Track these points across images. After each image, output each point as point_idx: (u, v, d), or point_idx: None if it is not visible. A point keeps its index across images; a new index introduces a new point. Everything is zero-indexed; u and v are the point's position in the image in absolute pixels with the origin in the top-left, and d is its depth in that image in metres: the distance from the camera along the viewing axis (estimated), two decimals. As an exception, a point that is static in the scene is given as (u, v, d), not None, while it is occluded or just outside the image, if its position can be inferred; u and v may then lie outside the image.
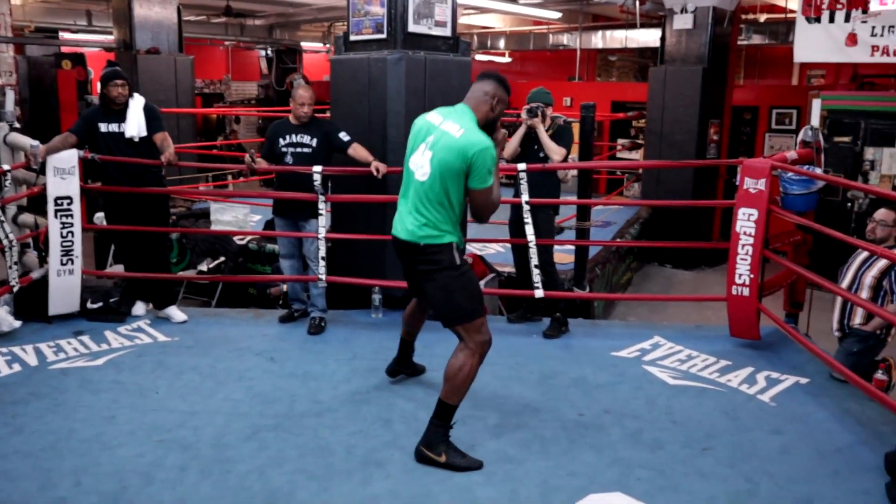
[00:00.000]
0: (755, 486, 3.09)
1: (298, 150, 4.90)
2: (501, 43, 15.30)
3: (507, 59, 16.81)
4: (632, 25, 11.90)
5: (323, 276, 4.92)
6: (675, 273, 9.60)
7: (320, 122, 5.04)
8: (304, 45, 16.88)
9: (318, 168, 4.76)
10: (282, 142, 4.93)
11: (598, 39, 13.04)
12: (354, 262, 5.36)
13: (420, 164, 3.19)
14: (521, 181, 4.74)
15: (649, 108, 9.74)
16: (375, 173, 4.74)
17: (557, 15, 11.93)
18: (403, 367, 4.03)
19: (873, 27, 7.74)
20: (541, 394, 3.93)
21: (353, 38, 5.37)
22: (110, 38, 10.41)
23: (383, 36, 5.13)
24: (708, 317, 7.04)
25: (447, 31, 5.33)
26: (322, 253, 4.91)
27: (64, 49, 12.53)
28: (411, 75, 5.02)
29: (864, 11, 7.69)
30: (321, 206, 4.86)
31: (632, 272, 8.73)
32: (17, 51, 12.39)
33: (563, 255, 6.16)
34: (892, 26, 7.63)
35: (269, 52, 17.44)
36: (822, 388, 4.11)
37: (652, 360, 4.48)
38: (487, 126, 3.22)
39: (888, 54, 7.67)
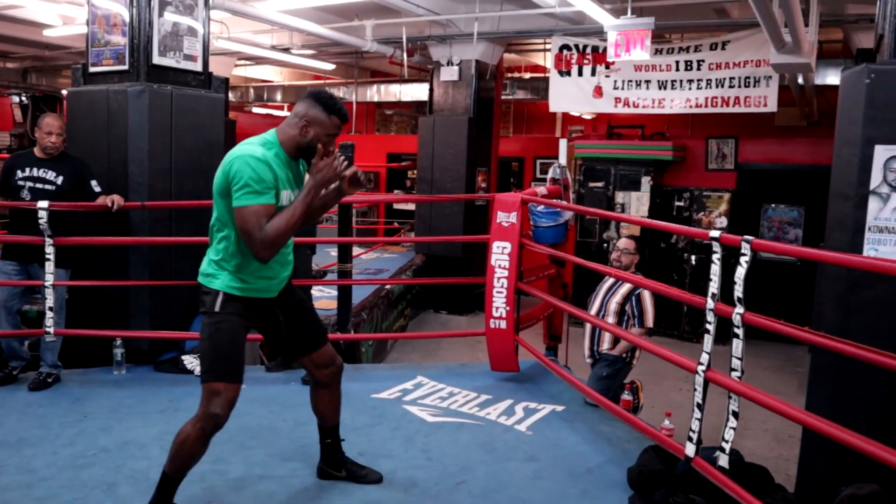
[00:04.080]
0: (507, 516, 3.05)
1: (38, 185, 4.35)
2: (279, 96, 15.11)
3: (285, 113, 16.63)
4: (406, 80, 12.24)
5: (51, 329, 4.36)
6: (451, 319, 9.76)
7: (73, 161, 4.51)
8: (66, 91, 15.57)
9: (43, 203, 4.22)
10: (19, 174, 4.36)
11: (374, 93, 13.24)
12: (96, 312, 4.82)
13: None
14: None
15: (420, 156, 9.94)
16: (110, 206, 4.31)
17: (331, 66, 11.96)
18: (332, 468, 3.26)
19: (615, 81, 8.50)
20: (292, 441, 3.67)
21: (91, 69, 4.95)
22: None
23: (125, 67, 4.78)
24: (480, 358, 7.13)
25: (198, 66, 5.07)
26: (51, 303, 4.36)
27: None
28: (156, 110, 4.68)
29: (608, 67, 8.43)
30: (49, 249, 4.32)
31: (405, 319, 8.74)
32: None
33: (328, 302, 5.99)
34: (632, 80, 8.42)
35: (23, 98, 15.89)
36: (576, 414, 4.23)
37: (413, 399, 4.38)
38: (302, 152, 2.78)
39: (629, 106, 8.44)
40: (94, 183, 4.46)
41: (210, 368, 2.72)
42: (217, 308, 2.73)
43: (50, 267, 4.33)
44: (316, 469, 3.30)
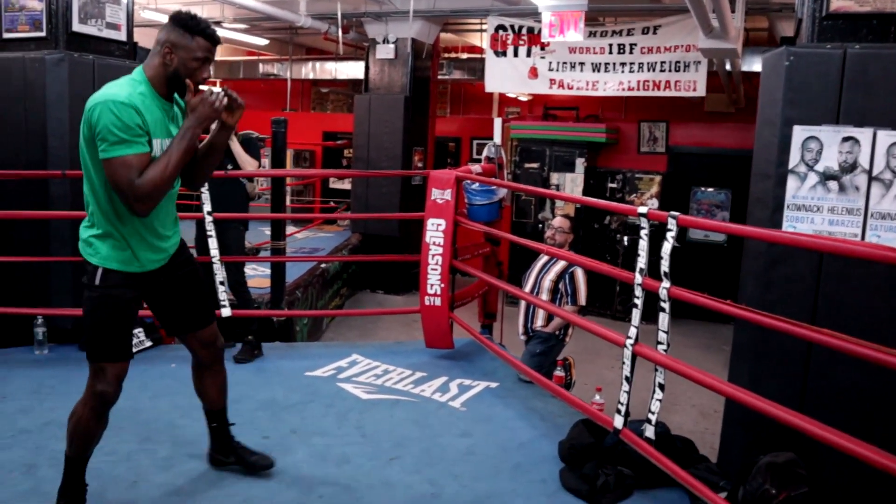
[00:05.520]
0: (440, 489, 3.07)
1: None
2: (211, 70, 14.73)
3: (217, 89, 16.23)
4: (341, 58, 12.06)
5: (-34, 308, 4.19)
6: (387, 298, 9.73)
7: None
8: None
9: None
10: None
11: (309, 70, 13.01)
12: (14, 289, 4.64)
13: None
14: (203, 193, 4.43)
15: (356, 135, 9.84)
16: None
17: (264, 42, 11.71)
18: (221, 454, 3.09)
19: (550, 62, 8.56)
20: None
21: (6, 35, 4.72)
22: None
23: (42, 34, 4.58)
24: (416, 337, 7.14)
25: (122, 36, 4.90)
26: (-35, 280, 4.18)
27: None
28: (76, 79, 4.50)
29: (543, 48, 8.48)
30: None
31: (342, 298, 8.68)
32: None
33: (261, 280, 5.91)
34: (566, 62, 8.50)
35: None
36: (509, 391, 4.27)
37: (347, 377, 4.37)
38: (171, 84, 2.51)
39: (563, 87, 8.52)
40: None
41: (92, 346, 2.56)
42: (97, 282, 2.52)
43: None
44: (206, 456, 3.13)
